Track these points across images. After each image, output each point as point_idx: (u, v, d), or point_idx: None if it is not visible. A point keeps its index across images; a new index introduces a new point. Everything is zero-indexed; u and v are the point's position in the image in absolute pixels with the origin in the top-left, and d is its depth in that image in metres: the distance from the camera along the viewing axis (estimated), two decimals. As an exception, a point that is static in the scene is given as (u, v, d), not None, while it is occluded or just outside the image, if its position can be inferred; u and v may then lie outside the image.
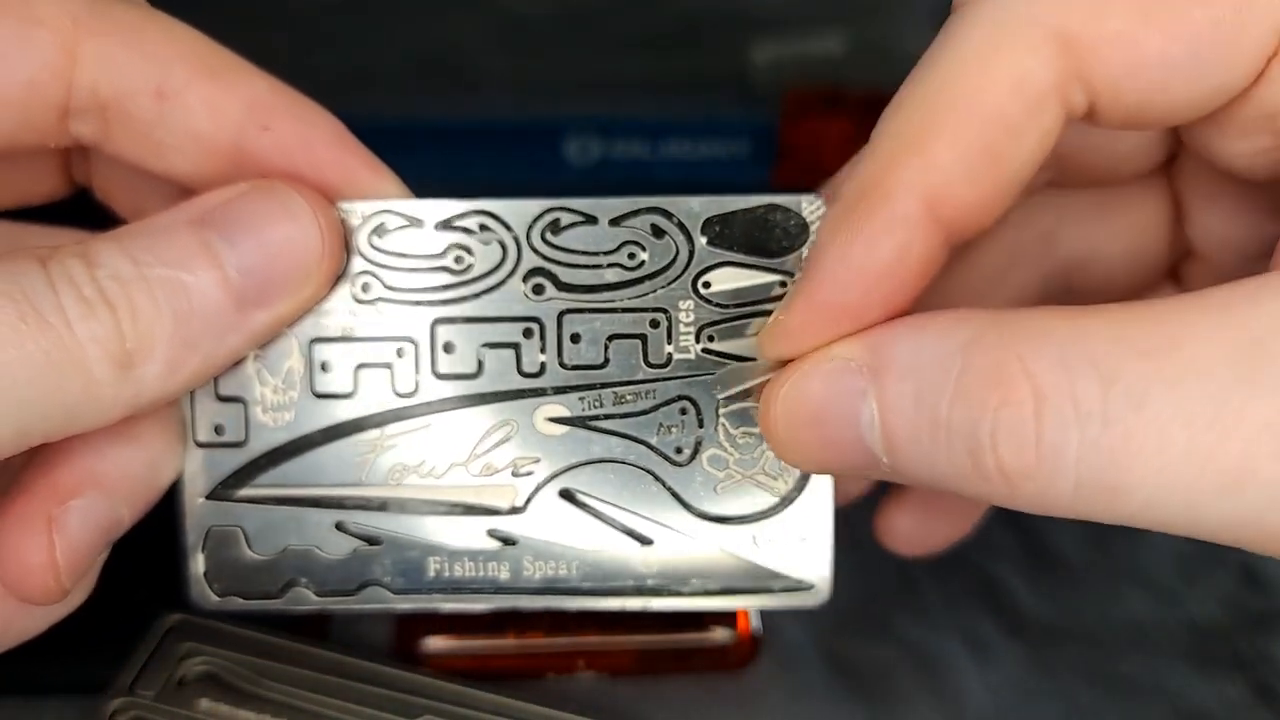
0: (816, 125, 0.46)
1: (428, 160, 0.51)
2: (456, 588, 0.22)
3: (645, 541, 0.21)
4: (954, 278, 0.24)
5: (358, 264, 0.21)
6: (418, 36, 0.52)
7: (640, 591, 0.22)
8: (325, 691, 0.29)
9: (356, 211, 0.21)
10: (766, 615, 0.33)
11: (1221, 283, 0.18)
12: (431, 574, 0.22)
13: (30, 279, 0.18)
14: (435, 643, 0.31)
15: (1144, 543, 0.36)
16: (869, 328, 0.19)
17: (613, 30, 0.52)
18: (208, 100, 0.21)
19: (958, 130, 0.18)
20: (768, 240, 0.20)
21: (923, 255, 0.19)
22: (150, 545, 0.33)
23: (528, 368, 0.21)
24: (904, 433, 0.18)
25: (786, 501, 0.22)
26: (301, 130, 0.21)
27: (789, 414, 0.19)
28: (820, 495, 0.22)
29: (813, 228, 0.20)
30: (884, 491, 0.29)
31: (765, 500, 0.21)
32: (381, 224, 0.21)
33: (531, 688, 0.31)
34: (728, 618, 0.32)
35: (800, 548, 0.22)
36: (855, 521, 0.36)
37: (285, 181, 0.21)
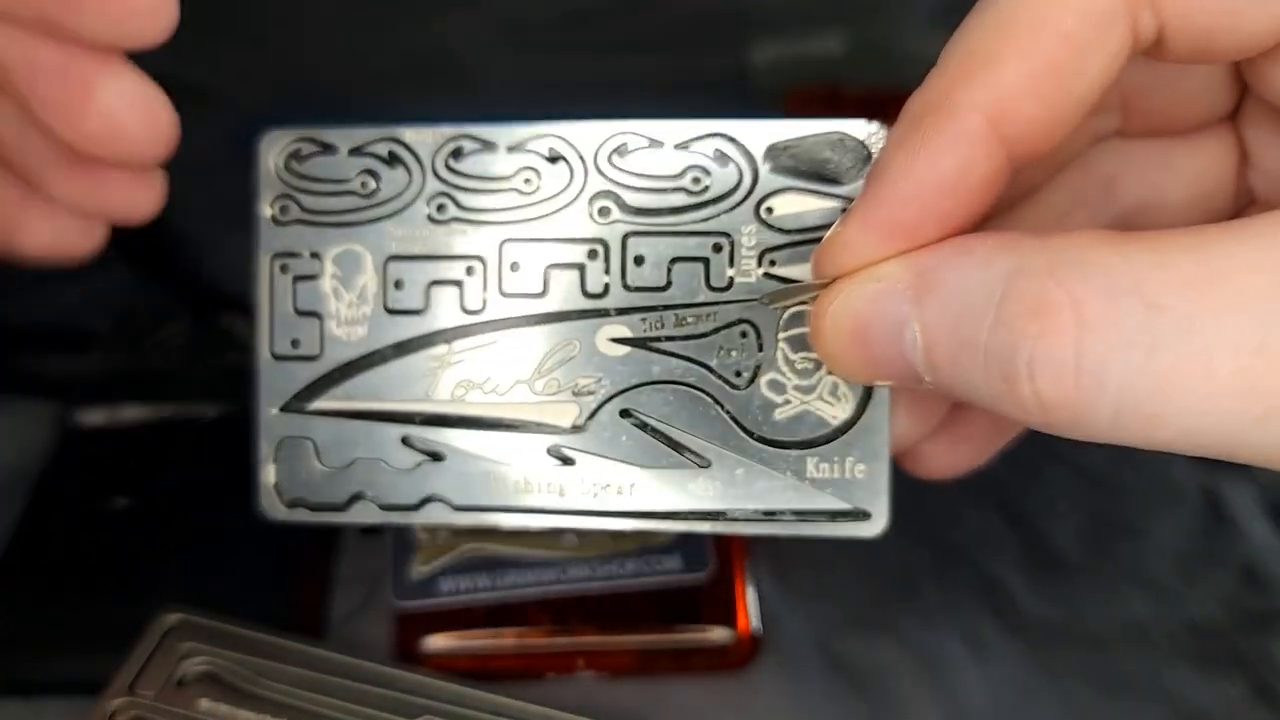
0: (816, 125, 0.46)
1: (428, 160, 0.51)
2: (514, 507, 0.22)
3: (703, 464, 0.22)
4: (1014, 220, 0.24)
5: (433, 185, 0.21)
6: (418, 36, 0.52)
7: (697, 516, 0.22)
8: (325, 691, 0.29)
9: (437, 133, 0.22)
10: (766, 615, 0.33)
11: None
12: (491, 491, 0.22)
13: None
14: (435, 643, 0.31)
15: (1144, 543, 0.36)
16: (916, 248, 0.19)
17: (613, 30, 0.52)
18: None
19: (1025, 48, 0.19)
20: (830, 166, 0.21)
21: (985, 174, 0.19)
22: (151, 548, 0.33)
23: (592, 288, 0.21)
24: (944, 355, 0.19)
25: (844, 428, 0.22)
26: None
27: (835, 330, 0.20)
28: (877, 423, 0.22)
29: (875, 154, 0.21)
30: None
31: (823, 426, 0.21)
32: (459, 147, 0.21)
33: (531, 688, 0.31)
34: (728, 617, 0.32)
35: (858, 475, 0.22)
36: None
37: None
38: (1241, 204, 0.25)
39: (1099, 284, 0.17)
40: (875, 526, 0.22)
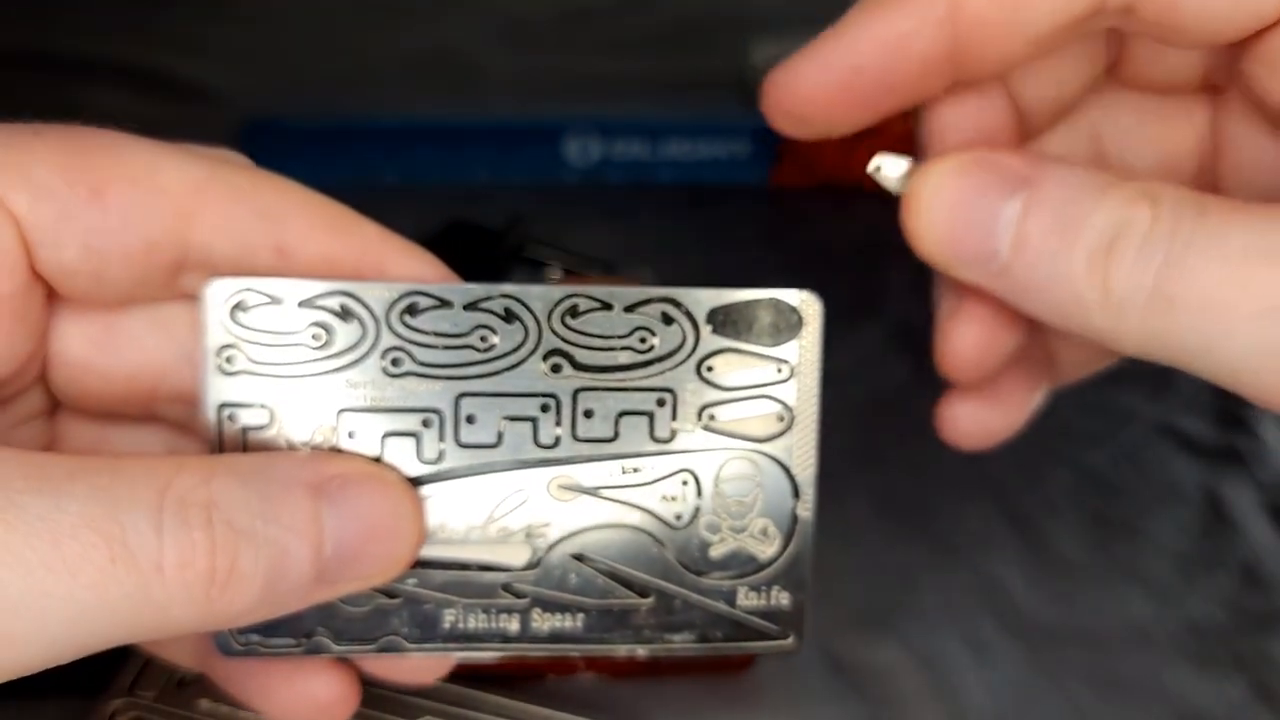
0: (816, 125, 0.46)
1: (428, 160, 0.51)
2: (469, 638, 0.23)
3: (644, 595, 0.23)
4: None
5: (388, 339, 0.22)
6: (418, 36, 0.52)
7: (637, 640, 0.23)
8: (325, 691, 0.29)
9: (391, 289, 0.22)
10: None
11: None
12: (446, 625, 0.23)
13: (135, 518, 0.18)
14: (435, 643, 0.31)
15: (1144, 543, 0.36)
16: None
17: (613, 30, 0.52)
18: (323, 253, 0.22)
19: None
20: (768, 331, 0.23)
21: (929, 47, 0.21)
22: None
23: (544, 439, 0.22)
24: (1040, 230, 0.20)
25: (770, 563, 0.24)
26: (408, 274, 0.23)
27: (937, 190, 0.22)
28: (802, 558, 0.24)
29: (806, 321, 0.23)
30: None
31: (753, 562, 0.23)
32: (413, 304, 0.22)
33: (531, 688, 0.31)
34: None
35: (783, 603, 0.24)
36: (855, 523, 0.36)
37: (403, 483, 0.22)
38: (1203, 186, 0.26)
39: (1173, 196, 0.20)
40: (792, 648, 0.24)
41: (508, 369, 0.22)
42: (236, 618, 0.20)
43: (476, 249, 0.45)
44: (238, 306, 0.21)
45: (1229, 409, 0.39)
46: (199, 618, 0.19)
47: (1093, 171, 0.21)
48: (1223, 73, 0.24)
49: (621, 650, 0.24)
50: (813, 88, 0.22)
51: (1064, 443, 0.38)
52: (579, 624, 0.23)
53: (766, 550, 0.24)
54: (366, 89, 0.51)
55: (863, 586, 0.34)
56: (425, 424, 0.22)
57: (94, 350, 0.22)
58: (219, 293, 0.21)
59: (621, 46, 0.52)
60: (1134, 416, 0.39)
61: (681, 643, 0.24)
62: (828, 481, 0.38)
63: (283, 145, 0.48)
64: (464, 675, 0.30)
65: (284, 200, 0.22)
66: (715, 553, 0.23)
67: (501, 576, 0.23)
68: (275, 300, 0.22)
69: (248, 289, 0.21)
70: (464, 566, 0.23)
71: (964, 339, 0.25)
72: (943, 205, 0.22)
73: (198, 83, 0.50)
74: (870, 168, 0.24)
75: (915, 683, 0.32)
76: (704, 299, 0.22)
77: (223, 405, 0.22)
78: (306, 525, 0.20)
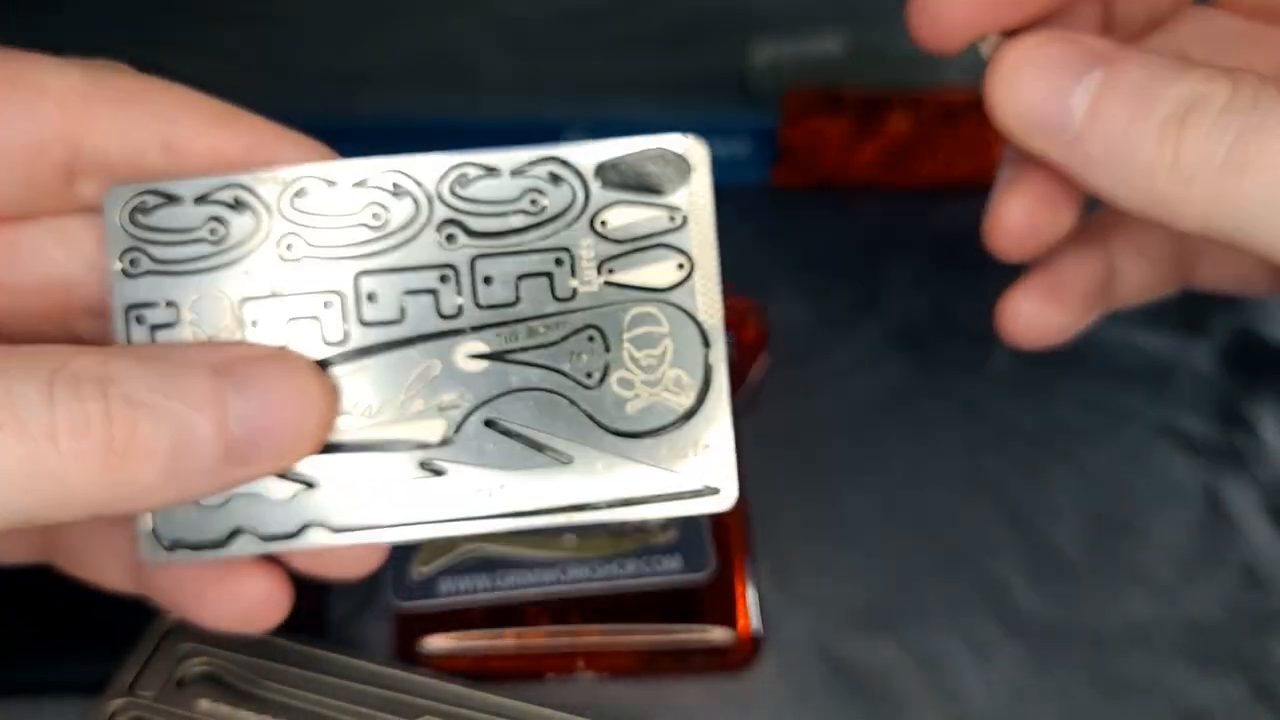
0: (816, 125, 0.46)
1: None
2: (391, 523, 0.23)
3: (566, 461, 0.23)
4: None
5: (281, 225, 0.22)
6: (418, 36, 0.52)
7: (561, 509, 0.23)
8: (325, 691, 0.29)
9: (279, 177, 0.22)
10: (766, 615, 0.33)
11: None
12: (367, 510, 0.23)
13: (26, 390, 0.19)
14: (435, 643, 0.31)
15: (1144, 543, 0.36)
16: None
17: (613, 30, 0.52)
18: (213, 147, 0.22)
19: None
20: (655, 179, 0.23)
21: None
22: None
23: (446, 310, 0.22)
24: (1115, 101, 0.21)
25: (689, 414, 0.23)
26: (298, 161, 0.23)
27: (1020, 58, 0.22)
28: (720, 408, 0.23)
29: (693, 166, 0.23)
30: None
31: (670, 414, 0.23)
32: (302, 188, 0.22)
33: (531, 688, 0.31)
34: (728, 618, 0.32)
35: (705, 455, 0.23)
36: (855, 523, 0.36)
37: (305, 360, 0.22)
38: None
39: (1253, 81, 0.21)
40: (725, 501, 0.23)
41: (403, 244, 0.22)
42: (144, 494, 0.20)
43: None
44: (138, 209, 0.22)
45: (1229, 409, 0.39)
46: (102, 491, 0.19)
47: (1172, 58, 0.22)
48: None
49: (544, 521, 0.23)
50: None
51: (1064, 442, 0.38)
52: (503, 498, 0.23)
53: (684, 402, 0.23)
54: (366, 89, 0.51)
55: (863, 586, 0.34)
56: (326, 305, 0.22)
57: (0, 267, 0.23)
58: (118, 198, 0.22)
59: (621, 46, 0.52)
60: (1134, 416, 0.39)
61: (608, 506, 0.23)
62: (828, 481, 0.38)
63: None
64: (464, 675, 0.30)
65: (171, 98, 0.22)
66: (631, 409, 0.23)
67: (418, 454, 0.23)
68: (173, 200, 0.22)
69: (145, 192, 0.22)
70: (380, 446, 0.23)
71: (1017, 211, 0.26)
72: (1024, 73, 0.22)
73: (198, 83, 0.50)
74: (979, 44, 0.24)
75: (915, 683, 0.32)
76: (589, 154, 0.22)
77: (129, 307, 0.22)
78: (209, 401, 0.20)
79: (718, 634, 0.32)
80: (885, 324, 0.42)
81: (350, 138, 0.54)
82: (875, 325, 0.42)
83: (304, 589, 0.33)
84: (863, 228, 0.44)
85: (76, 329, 0.24)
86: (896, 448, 0.38)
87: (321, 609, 0.33)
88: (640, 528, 0.33)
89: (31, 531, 0.25)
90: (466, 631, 0.32)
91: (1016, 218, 0.26)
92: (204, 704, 0.28)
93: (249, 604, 0.24)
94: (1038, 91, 0.22)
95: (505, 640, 0.32)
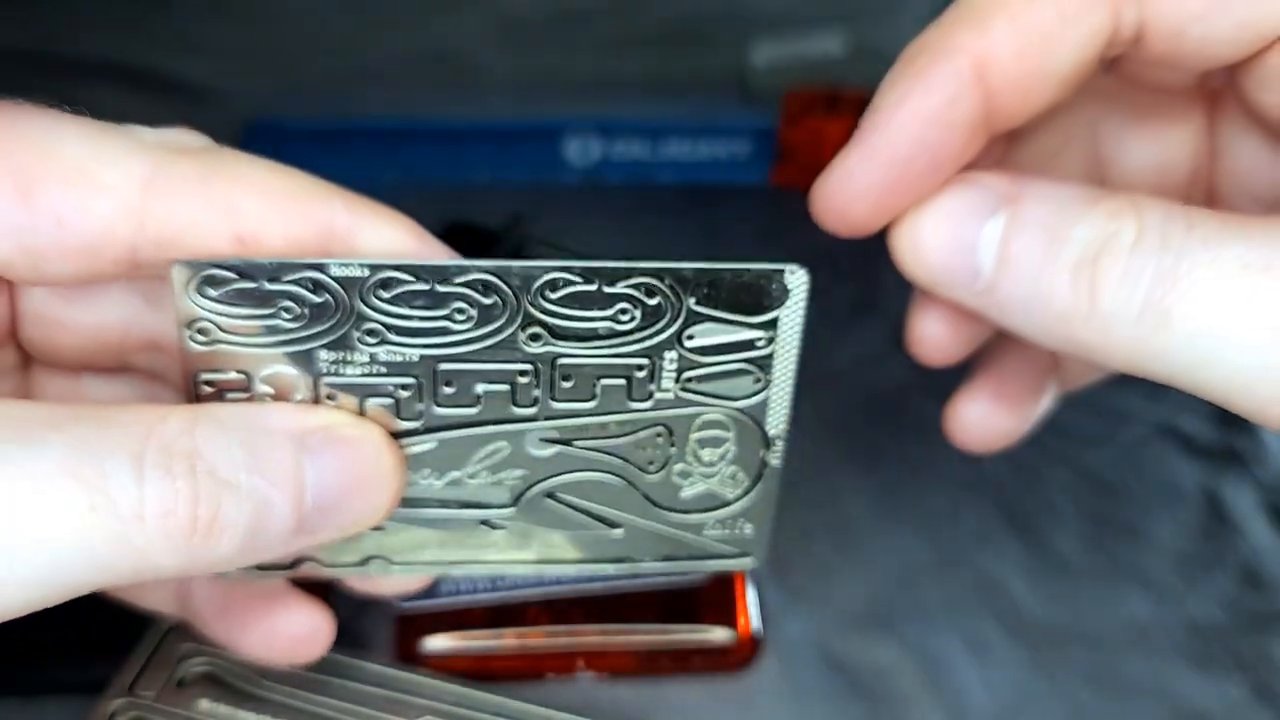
0: (816, 125, 0.46)
1: (428, 160, 0.51)
2: (446, 562, 0.24)
3: (614, 526, 0.24)
4: (1012, 157, 0.26)
5: (363, 314, 0.21)
6: (418, 36, 0.52)
7: (606, 560, 0.25)
8: (325, 692, 0.29)
9: (361, 265, 0.21)
10: (766, 615, 0.33)
11: None
12: (427, 551, 0.24)
13: (116, 466, 0.18)
14: (435, 643, 0.31)
15: (1144, 543, 0.36)
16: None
17: (613, 30, 0.52)
18: (286, 235, 0.21)
19: (1015, 12, 0.21)
20: (751, 303, 0.22)
21: (969, 114, 0.21)
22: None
23: (522, 403, 0.23)
24: (1023, 246, 0.20)
25: (738, 499, 0.24)
26: (381, 245, 0.22)
27: (923, 211, 0.22)
28: (767, 499, 0.24)
29: (791, 293, 0.22)
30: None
31: (721, 501, 0.24)
32: (387, 279, 0.21)
33: (531, 688, 0.31)
34: (728, 618, 0.32)
35: (746, 533, 0.25)
36: (855, 523, 0.36)
37: (383, 435, 0.22)
38: (1196, 194, 0.26)
39: (1161, 210, 0.20)
40: (753, 564, 0.25)
41: (486, 340, 0.22)
42: (217, 564, 0.20)
43: (476, 249, 0.44)
44: (206, 282, 0.21)
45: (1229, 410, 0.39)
46: (180, 564, 0.19)
47: (1077, 186, 0.21)
48: (1219, 81, 0.24)
49: (590, 570, 0.25)
50: (865, 188, 0.22)
51: (1064, 443, 0.38)
52: (550, 549, 0.24)
53: (735, 491, 0.24)
54: (366, 89, 0.51)
55: (863, 586, 0.34)
56: (403, 389, 0.22)
57: (61, 305, 0.22)
58: (184, 272, 0.21)
59: (621, 46, 0.52)
60: (1134, 416, 0.39)
61: (649, 561, 0.25)
62: (828, 481, 0.38)
63: (283, 145, 0.48)
64: (464, 675, 0.30)
65: (239, 186, 0.21)
66: (686, 493, 0.24)
67: (480, 513, 0.24)
68: (244, 277, 0.21)
69: (214, 268, 0.21)
70: (444, 505, 0.23)
71: (933, 326, 0.25)
72: (925, 224, 0.22)
73: (198, 83, 0.50)
74: None
75: (915, 683, 0.32)
76: (689, 274, 0.22)
77: (198, 375, 0.22)
78: (289, 477, 0.20)
79: (718, 634, 0.32)
80: (885, 324, 0.42)
81: (350, 137, 0.54)
82: (875, 325, 0.42)
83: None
84: (863, 228, 0.44)
85: (132, 361, 0.24)
86: (896, 448, 0.38)
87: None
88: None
89: None
90: (467, 631, 0.32)
91: (934, 331, 0.25)
92: (204, 704, 0.28)
93: (293, 637, 0.25)
94: (942, 244, 0.21)
95: (505, 640, 0.32)
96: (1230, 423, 0.39)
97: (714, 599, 0.32)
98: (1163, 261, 0.19)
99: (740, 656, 0.32)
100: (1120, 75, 0.25)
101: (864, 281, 0.43)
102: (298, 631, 0.25)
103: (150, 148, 0.21)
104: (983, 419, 0.27)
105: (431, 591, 0.32)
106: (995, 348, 0.27)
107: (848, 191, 0.22)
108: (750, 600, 0.33)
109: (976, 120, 0.21)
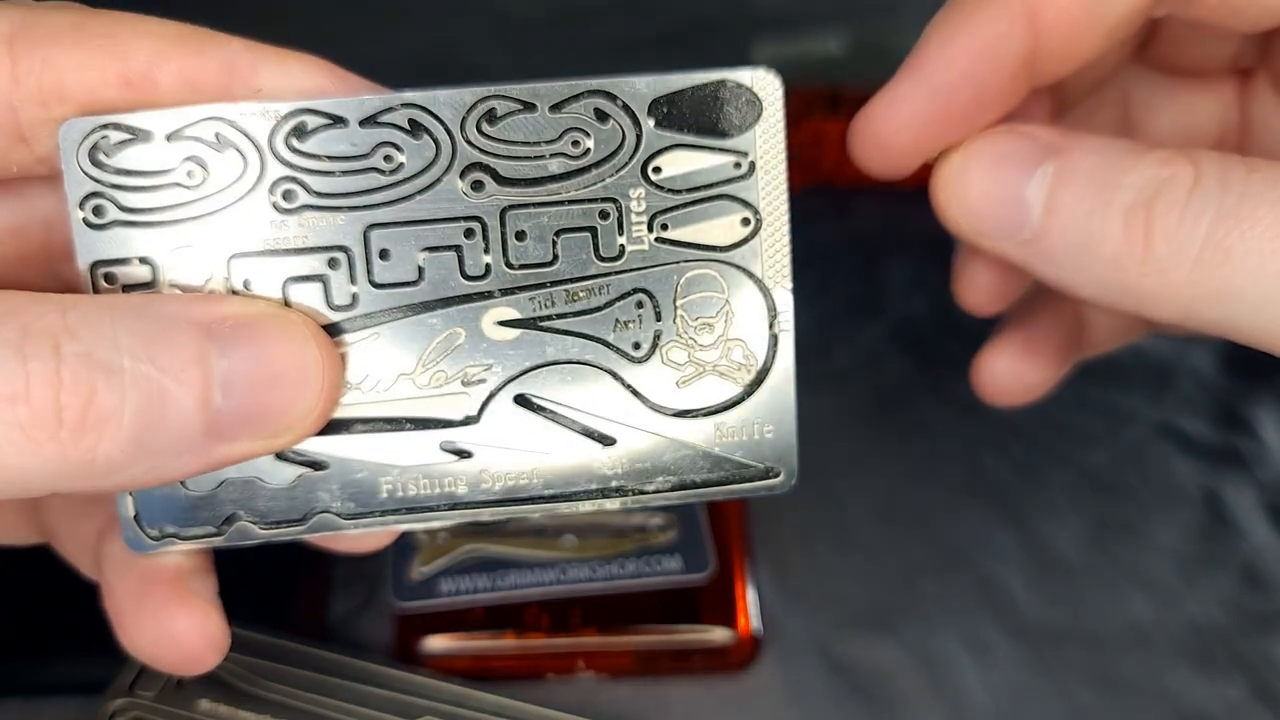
0: (816, 125, 0.46)
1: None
2: (411, 507, 0.20)
3: (607, 441, 0.20)
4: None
5: (276, 169, 0.19)
6: (418, 36, 0.52)
7: (604, 493, 0.21)
8: (325, 692, 0.29)
9: (271, 111, 0.19)
10: (766, 615, 0.33)
11: None
12: (384, 495, 0.20)
13: None
14: (435, 643, 0.31)
15: (1144, 544, 0.36)
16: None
17: (613, 30, 0.52)
18: (183, 77, 0.19)
19: None
20: (719, 119, 0.19)
21: (1017, 52, 0.21)
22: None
23: (471, 270, 0.19)
24: (1072, 194, 0.20)
25: (749, 392, 0.21)
26: (290, 85, 0.20)
27: (965, 161, 0.21)
28: (782, 383, 0.21)
29: (764, 103, 0.20)
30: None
31: (728, 391, 0.21)
32: (301, 123, 0.19)
33: (531, 688, 0.31)
34: (728, 618, 0.32)
35: (766, 436, 0.21)
36: (855, 523, 0.36)
37: (308, 323, 0.19)
38: None
39: (1217, 158, 0.19)
40: (785, 483, 0.21)
41: (420, 191, 0.19)
42: (105, 472, 0.17)
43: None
44: (97, 148, 0.19)
45: (1229, 409, 0.39)
46: (49, 469, 0.16)
47: (1124, 140, 0.21)
48: (1254, 56, 0.24)
49: (586, 506, 0.21)
50: (908, 117, 0.21)
51: (1064, 443, 0.38)
52: (535, 480, 0.20)
53: (743, 378, 0.20)
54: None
55: (863, 586, 0.34)
56: (331, 264, 0.19)
57: None
58: (73, 135, 0.18)
59: (621, 46, 0.52)
60: (1134, 416, 0.39)
61: (656, 491, 0.21)
62: (827, 481, 0.38)
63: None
64: (464, 675, 0.30)
65: (122, 27, 0.19)
66: (683, 385, 0.20)
67: (439, 433, 0.20)
68: (139, 136, 0.19)
69: (106, 126, 0.18)
70: (396, 424, 0.20)
71: (982, 275, 0.25)
72: (971, 172, 0.21)
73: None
74: None
75: (915, 683, 0.32)
76: (643, 88, 0.19)
77: (96, 264, 0.19)
78: (190, 366, 0.17)
79: (718, 634, 0.32)
80: (885, 324, 0.42)
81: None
82: (875, 325, 0.42)
83: (304, 589, 0.33)
84: (863, 228, 0.44)
85: (64, 274, 0.21)
86: (896, 448, 0.38)
87: (322, 609, 0.33)
88: (640, 528, 0.33)
89: (20, 509, 0.23)
90: (466, 632, 0.32)
91: (984, 280, 0.26)
92: (204, 704, 0.28)
93: (179, 644, 0.22)
94: (988, 191, 0.21)
95: (505, 640, 0.32)
96: (1230, 423, 0.39)
97: (714, 599, 0.32)
98: (1224, 202, 0.19)
99: (740, 656, 0.32)
100: (1156, 54, 0.25)
101: (864, 281, 0.43)
102: (183, 637, 0.21)
103: (14, 5, 0.19)
104: (1011, 371, 0.27)
105: (431, 591, 0.32)
106: (1027, 301, 0.27)
107: (891, 122, 0.22)
108: (750, 600, 0.33)
109: (1022, 61, 0.21)
